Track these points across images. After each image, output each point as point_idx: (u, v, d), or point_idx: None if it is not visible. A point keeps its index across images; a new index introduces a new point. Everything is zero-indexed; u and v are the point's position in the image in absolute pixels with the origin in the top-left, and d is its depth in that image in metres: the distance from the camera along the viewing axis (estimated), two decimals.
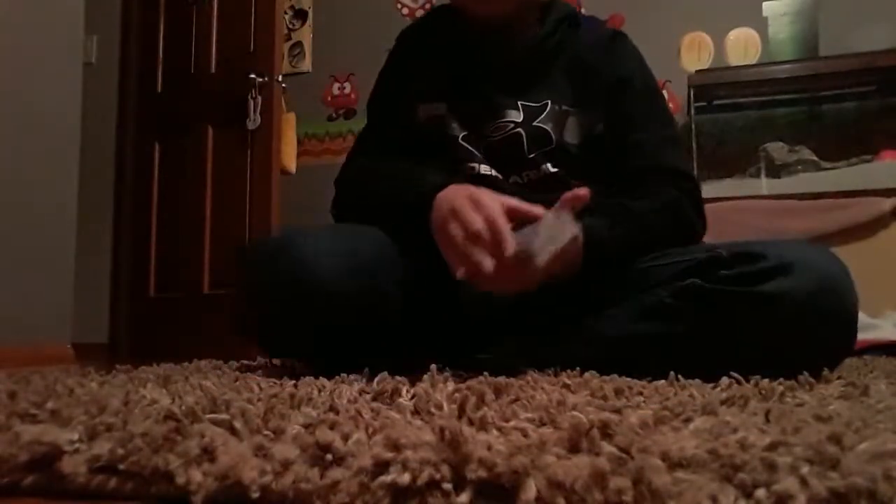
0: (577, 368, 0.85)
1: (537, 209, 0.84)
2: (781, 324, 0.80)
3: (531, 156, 1.06)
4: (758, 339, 0.81)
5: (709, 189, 2.00)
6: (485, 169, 1.06)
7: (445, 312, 1.00)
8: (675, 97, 2.65)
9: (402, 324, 0.95)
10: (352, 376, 0.80)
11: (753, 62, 2.54)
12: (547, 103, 1.08)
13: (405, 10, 3.18)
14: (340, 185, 1.16)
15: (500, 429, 0.41)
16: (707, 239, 1.06)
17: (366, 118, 1.22)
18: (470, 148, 1.08)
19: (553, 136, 1.06)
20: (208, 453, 0.36)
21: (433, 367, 0.74)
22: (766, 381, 0.68)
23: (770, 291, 0.81)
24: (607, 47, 1.12)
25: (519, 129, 1.07)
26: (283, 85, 2.87)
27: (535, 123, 1.07)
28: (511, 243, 0.79)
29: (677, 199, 1.02)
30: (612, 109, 1.08)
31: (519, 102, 1.08)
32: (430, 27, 1.20)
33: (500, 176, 1.06)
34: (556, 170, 1.05)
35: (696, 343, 0.84)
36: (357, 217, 1.04)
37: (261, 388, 0.69)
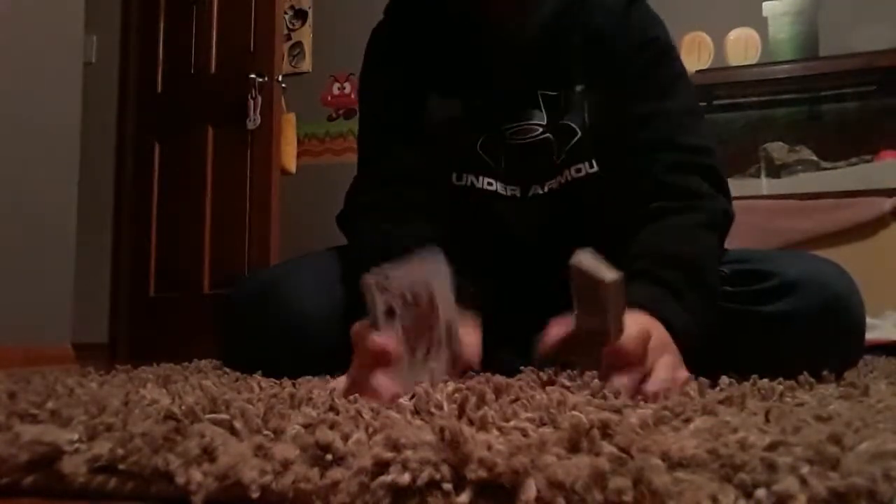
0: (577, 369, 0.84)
1: None
2: (785, 343, 0.78)
3: (559, 160, 0.96)
4: (761, 358, 0.77)
5: None
6: (501, 187, 0.97)
7: None
8: None
9: None
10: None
11: (753, 62, 2.54)
12: (561, 91, 0.97)
13: None
14: (350, 209, 1.03)
15: (500, 429, 0.41)
16: None
17: None
18: (487, 159, 0.97)
19: (576, 128, 0.96)
20: (208, 453, 0.36)
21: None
22: (766, 380, 0.68)
23: (772, 312, 0.79)
24: (624, 13, 1.00)
25: (548, 135, 0.96)
26: (283, 85, 2.87)
27: (561, 122, 0.96)
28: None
29: (712, 206, 0.90)
30: (629, 77, 0.96)
31: (539, 93, 0.97)
32: (424, 5, 1.04)
33: (517, 190, 0.97)
34: (578, 174, 0.95)
35: (696, 359, 0.81)
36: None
37: (261, 388, 0.69)
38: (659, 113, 0.95)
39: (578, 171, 0.96)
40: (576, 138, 0.95)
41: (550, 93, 0.97)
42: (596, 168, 0.96)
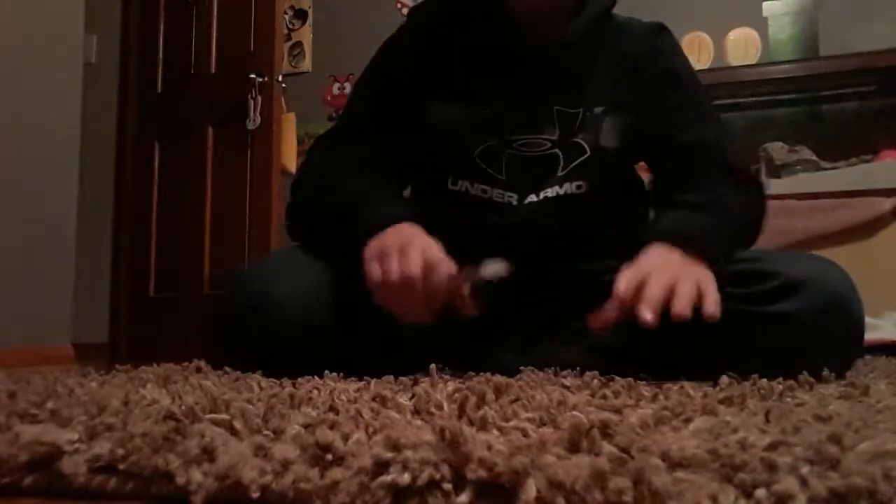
0: (577, 369, 0.84)
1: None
2: (786, 344, 0.79)
3: (562, 174, 0.98)
4: (761, 359, 0.78)
5: None
6: (497, 194, 0.98)
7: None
8: None
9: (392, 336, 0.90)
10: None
11: (753, 62, 2.54)
12: (580, 111, 0.98)
13: (405, 11, 3.17)
14: (296, 190, 1.05)
15: (500, 429, 0.41)
16: None
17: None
18: (484, 166, 0.97)
19: (587, 147, 0.97)
20: (208, 453, 0.36)
21: (433, 367, 0.74)
22: (766, 380, 0.68)
23: (774, 313, 0.79)
24: (650, 40, 1.04)
25: (556, 150, 0.97)
26: (283, 85, 2.87)
27: (572, 140, 0.97)
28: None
29: (758, 202, 0.98)
30: (660, 105, 1.00)
31: (555, 108, 0.98)
32: (450, 10, 1.04)
33: (514, 196, 0.97)
34: (579, 190, 0.98)
35: (698, 359, 0.81)
36: (310, 231, 0.99)
37: (261, 388, 0.69)
38: (706, 141, 1.00)
39: (579, 187, 0.98)
40: (584, 157, 0.97)
41: (568, 110, 0.98)
42: (588, 189, 0.99)
